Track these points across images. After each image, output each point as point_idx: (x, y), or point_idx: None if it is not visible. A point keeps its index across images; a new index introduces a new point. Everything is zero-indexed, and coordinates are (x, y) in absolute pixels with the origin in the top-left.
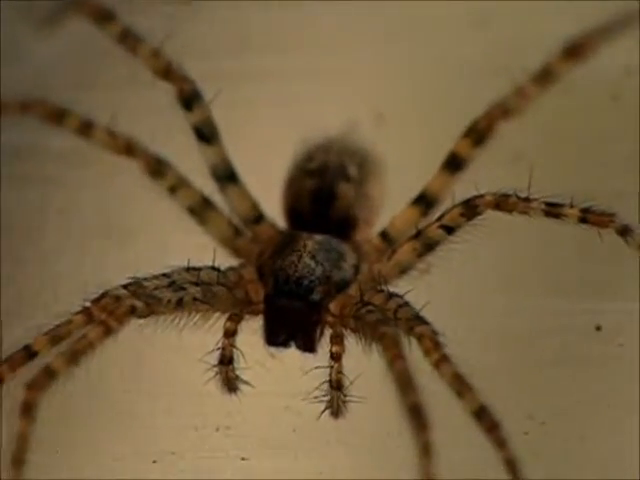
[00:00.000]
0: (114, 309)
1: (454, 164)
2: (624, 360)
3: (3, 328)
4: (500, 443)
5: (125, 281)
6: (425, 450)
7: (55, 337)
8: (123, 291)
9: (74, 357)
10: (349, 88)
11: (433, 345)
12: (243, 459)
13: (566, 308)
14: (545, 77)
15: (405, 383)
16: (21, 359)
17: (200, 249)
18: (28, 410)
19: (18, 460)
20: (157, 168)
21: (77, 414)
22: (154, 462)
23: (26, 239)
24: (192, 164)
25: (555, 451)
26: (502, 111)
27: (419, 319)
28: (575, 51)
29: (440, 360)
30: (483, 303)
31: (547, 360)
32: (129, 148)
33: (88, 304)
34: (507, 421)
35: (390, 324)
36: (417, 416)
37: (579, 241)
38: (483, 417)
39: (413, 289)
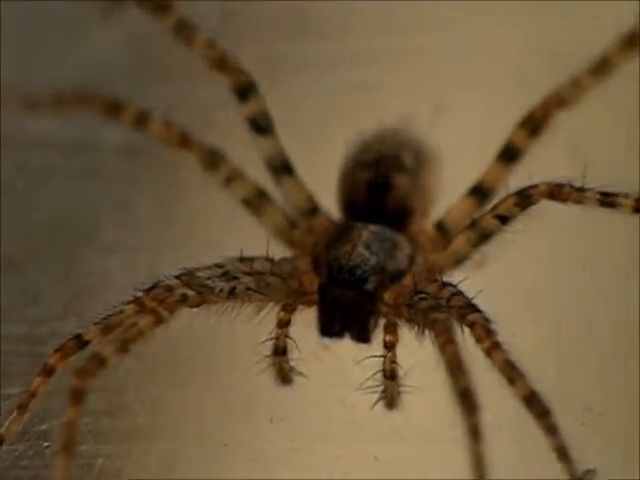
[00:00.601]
0: (165, 298)
1: (509, 154)
2: None
3: (59, 322)
4: (551, 430)
5: (178, 271)
6: (474, 433)
7: (107, 326)
8: (175, 281)
9: (124, 345)
10: (408, 78)
11: (485, 333)
12: (296, 450)
13: (624, 296)
14: (602, 68)
15: (456, 367)
16: (72, 348)
17: (254, 241)
18: (77, 397)
19: (67, 448)
20: (212, 160)
21: (128, 405)
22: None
23: (82, 233)
24: (246, 157)
25: (613, 443)
26: (558, 101)
27: (472, 307)
28: (633, 41)
29: (492, 347)
30: (539, 291)
31: (605, 350)
32: (184, 140)
33: (140, 294)
34: (564, 412)
35: (442, 310)
36: (467, 399)
37: (633, 230)
38: (534, 403)
39: (468, 278)
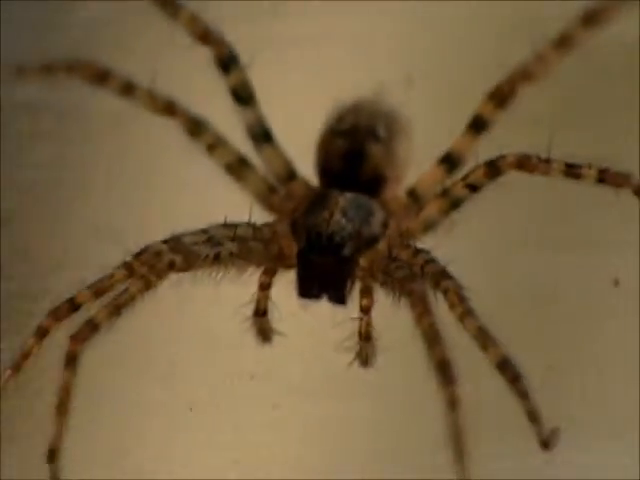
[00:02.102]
0: (154, 264)
1: (478, 125)
2: None
3: (49, 280)
4: (522, 394)
5: (165, 237)
6: (452, 404)
7: (98, 290)
8: (163, 246)
9: (116, 310)
10: (379, 51)
11: (458, 299)
12: (277, 405)
13: (586, 262)
14: (564, 43)
15: (432, 338)
16: (65, 311)
17: (238, 206)
18: (72, 361)
19: (61, 410)
20: (196, 127)
21: (118, 362)
22: (190, 410)
23: (72, 194)
24: (229, 125)
25: (574, 400)
26: (524, 76)
27: (445, 274)
28: (593, 18)
29: (464, 313)
30: (505, 258)
31: (567, 313)
32: (169, 108)
33: (129, 259)
34: (527, 371)
35: (417, 281)
36: (444, 371)
37: (598, 198)
38: (506, 369)
39: (439, 246)
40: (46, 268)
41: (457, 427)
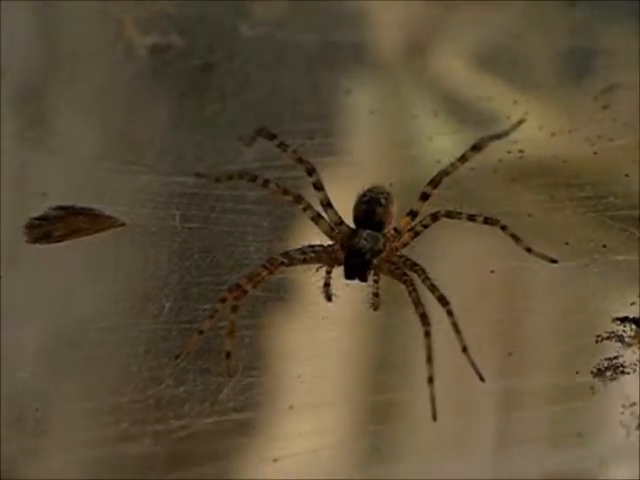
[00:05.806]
0: (274, 263)
1: (424, 197)
2: None
3: (231, 274)
4: (455, 325)
5: (282, 252)
6: (427, 335)
7: (250, 278)
8: (280, 256)
9: (255, 284)
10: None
11: (423, 273)
12: (324, 318)
13: (468, 258)
14: (463, 159)
15: (417, 302)
16: (234, 288)
17: (316, 237)
18: (235, 309)
19: (231, 333)
20: (298, 199)
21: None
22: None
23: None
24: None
25: None
26: (445, 173)
27: (415, 263)
28: (477, 148)
29: (425, 278)
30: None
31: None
32: (285, 192)
33: (265, 262)
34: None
35: (408, 277)
36: (423, 318)
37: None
38: (442, 298)
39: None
40: (228, 267)
41: (430, 348)
